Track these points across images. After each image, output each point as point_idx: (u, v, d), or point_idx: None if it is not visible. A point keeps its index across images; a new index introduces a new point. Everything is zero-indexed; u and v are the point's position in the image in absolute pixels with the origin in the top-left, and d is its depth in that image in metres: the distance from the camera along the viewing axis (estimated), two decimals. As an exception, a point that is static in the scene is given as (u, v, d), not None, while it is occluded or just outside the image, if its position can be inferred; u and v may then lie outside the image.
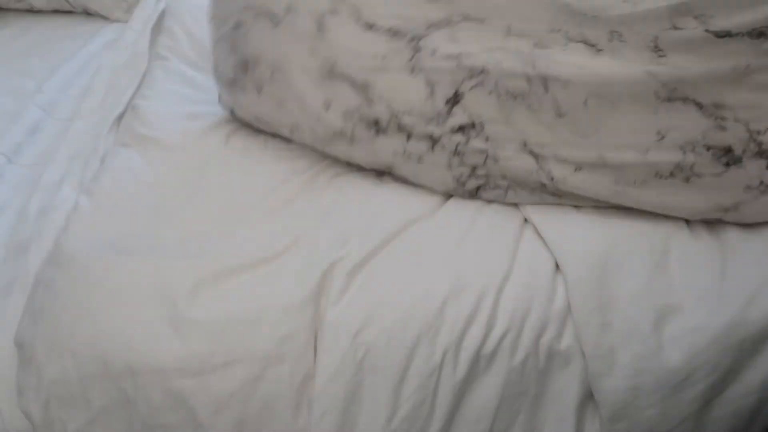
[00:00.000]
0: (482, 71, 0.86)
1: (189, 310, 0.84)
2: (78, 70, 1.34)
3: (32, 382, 0.84)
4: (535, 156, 0.88)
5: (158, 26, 1.35)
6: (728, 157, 0.84)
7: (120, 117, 1.17)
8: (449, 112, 0.88)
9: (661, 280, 0.87)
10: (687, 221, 0.93)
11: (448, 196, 0.97)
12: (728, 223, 0.92)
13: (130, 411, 0.83)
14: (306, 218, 0.95)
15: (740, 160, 0.84)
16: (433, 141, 0.90)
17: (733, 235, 0.91)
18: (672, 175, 0.85)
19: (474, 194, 0.93)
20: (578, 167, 0.87)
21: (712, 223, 0.93)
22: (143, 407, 0.82)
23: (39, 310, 0.87)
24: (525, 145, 0.87)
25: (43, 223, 0.99)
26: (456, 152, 0.89)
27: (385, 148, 0.92)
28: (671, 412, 0.85)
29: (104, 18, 1.50)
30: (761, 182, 0.84)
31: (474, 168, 0.90)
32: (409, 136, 0.90)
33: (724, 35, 0.80)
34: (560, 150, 0.87)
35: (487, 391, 0.86)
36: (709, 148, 0.83)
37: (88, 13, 1.51)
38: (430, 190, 0.94)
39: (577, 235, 0.90)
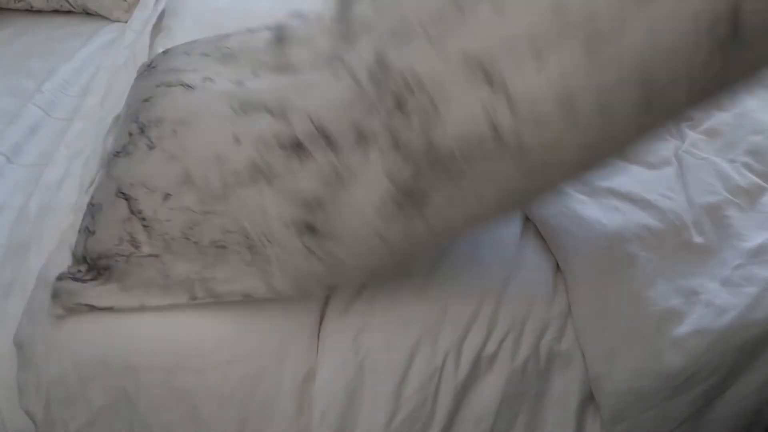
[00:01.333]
0: None
1: (190, 308, 0.84)
2: (77, 70, 1.34)
3: (32, 382, 0.84)
4: None
5: (158, 26, 1.35)
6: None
7: (119, 117, 1.17)
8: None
9: (663, 283, 0.87)
10: (688, 225, 0.93)
11: None
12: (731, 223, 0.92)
13: (130, 409, 0.83)
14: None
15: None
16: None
17: (734, 236, 0.92)
18: None
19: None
20: None
21: (715, 224, 0.93)
22: (144, 405, 0.82)
23: (39, 310, 0.86)
24: None
25: (43, 223, 0.99)
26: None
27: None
28: (672, 413, 0.85)
29: (104, 18, 1.50)
30: None
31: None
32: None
33: None
34: None
35: (488, 392, 0.86)
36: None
37: (88, 13, 1.51)
38: None
39: (579, 236, 0.90)
